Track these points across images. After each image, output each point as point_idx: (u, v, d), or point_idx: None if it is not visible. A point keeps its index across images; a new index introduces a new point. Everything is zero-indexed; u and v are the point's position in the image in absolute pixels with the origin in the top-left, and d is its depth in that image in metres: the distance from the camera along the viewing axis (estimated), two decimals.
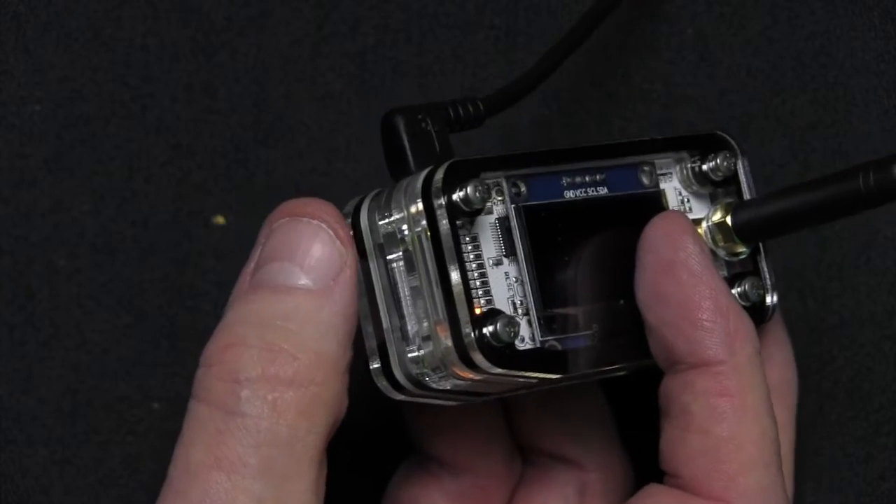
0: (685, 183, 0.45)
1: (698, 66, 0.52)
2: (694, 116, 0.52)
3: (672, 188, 0.45)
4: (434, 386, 0.41)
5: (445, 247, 0.40)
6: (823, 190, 0.41)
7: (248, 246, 0.44)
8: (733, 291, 0.44)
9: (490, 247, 0.41)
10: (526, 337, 0.41)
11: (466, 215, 0.41)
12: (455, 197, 0.40)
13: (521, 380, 0.41)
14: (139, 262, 0.51)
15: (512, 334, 0.40)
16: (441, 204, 0.40)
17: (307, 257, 0.40)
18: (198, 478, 0.38)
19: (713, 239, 0.44)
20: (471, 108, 0.44)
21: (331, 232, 0.40)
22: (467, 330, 0.40)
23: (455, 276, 0.40)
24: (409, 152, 0.42)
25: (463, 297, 0.40)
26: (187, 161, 0.52)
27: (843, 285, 0.52)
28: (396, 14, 0.52)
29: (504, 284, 0.41)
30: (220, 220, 0.51)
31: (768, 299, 0.44)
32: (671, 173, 0.44)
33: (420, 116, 0.42)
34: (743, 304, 0.43)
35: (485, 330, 0.40)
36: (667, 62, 0.52)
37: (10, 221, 0.51)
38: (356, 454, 0.51)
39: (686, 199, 0.45)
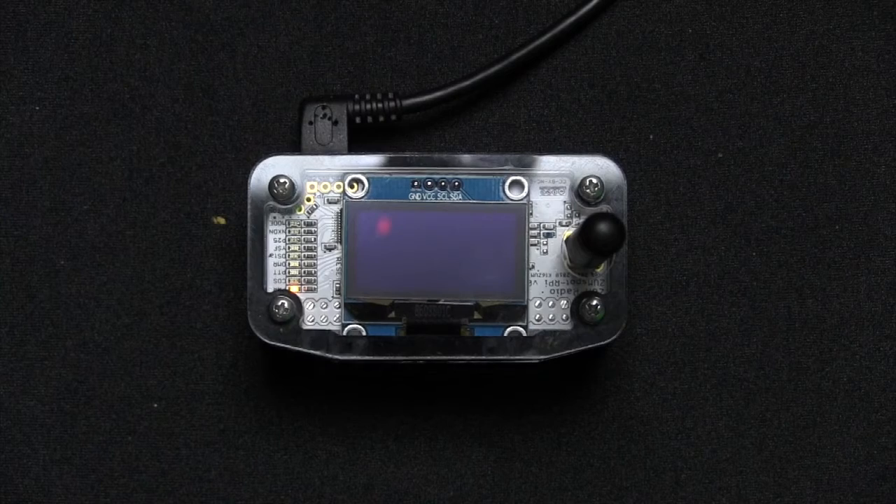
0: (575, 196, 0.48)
1: (698, 66, 0.52)
2: (694, 116, 0.52)
3: (560, 201, 0.48)
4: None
5: (249, 234, 0.47)
6: None
7: None
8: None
9: (328, 233, 0.47)
10: (329, 318, 0.47)
11: (280, 203, 0.47)
12: (265, 188, 0.47)
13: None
14: (139, 262, 0.51)
15: (284, 314, 0.46)
16: (252, 193, 0.47)
17: None
18: None
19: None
20: (380, 102, 0.49)
21: None
22: (251, 306, 0.47)
23: (251, 256, 0.47)
24: (301, 137, 0.48)
25: (253, 274, 0.47)
26: (187, 161, 0.52)
27: (843, 285, 0.52)
28: (396, 14, 0.52)
29: (334, 268, 0.47)
30: (220, 220, 0.51)
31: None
32: (564, 187, 0.48)
33: (323, 106, 0.49)
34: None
35: (272, 307, 0.46)
36: (667, 62, 0.52)
37: (10, 221, 0.51)
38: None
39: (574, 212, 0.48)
